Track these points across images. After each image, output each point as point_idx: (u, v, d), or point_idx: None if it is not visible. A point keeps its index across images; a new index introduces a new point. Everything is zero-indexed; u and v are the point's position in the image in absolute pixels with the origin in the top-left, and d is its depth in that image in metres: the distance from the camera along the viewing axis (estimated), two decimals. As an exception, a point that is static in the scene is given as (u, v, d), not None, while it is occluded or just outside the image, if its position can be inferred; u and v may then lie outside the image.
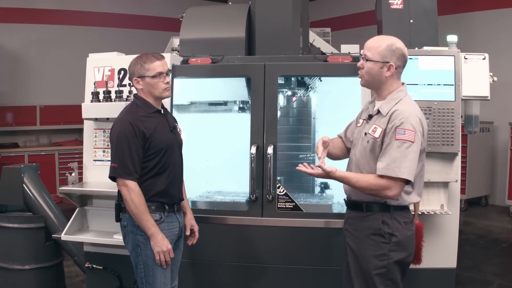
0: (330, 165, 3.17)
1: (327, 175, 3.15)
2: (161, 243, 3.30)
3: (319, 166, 3.16)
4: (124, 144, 3.29)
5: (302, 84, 5.02)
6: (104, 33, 11.26)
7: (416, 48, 4.16)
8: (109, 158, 4.47)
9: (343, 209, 4.40)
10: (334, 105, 5.02)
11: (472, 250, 6.88)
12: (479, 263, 6.44)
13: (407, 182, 3.07)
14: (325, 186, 5.01)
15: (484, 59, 4.06)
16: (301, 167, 3.21)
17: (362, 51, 3.30)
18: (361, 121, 3.41)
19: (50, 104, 10.82)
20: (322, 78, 4.88)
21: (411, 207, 3.43)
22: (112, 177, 3.35)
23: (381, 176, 3.05)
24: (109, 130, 4.47)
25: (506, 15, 9.65)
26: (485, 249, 7.11)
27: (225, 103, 5.17)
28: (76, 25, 11.28)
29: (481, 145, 9.40)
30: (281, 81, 4.61)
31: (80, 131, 11.01)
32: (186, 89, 4.80)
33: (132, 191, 3.26)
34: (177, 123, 3.68)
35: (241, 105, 5.12)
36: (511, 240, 7.60)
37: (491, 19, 9.83)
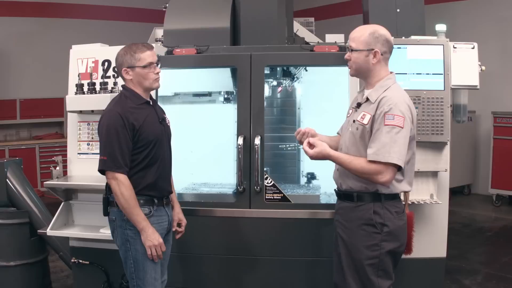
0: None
1: (321, 153, 3.16)
2: (152, 237, 3.25)
3: (308, 142, 3.20)
4: (113, 137, 3.21)
5: (288, 74, 4.99)
6: (85, 25, 11.08)
7: (403, 37, 4.14)
8: (94, 151, 4.48)
9: (330, 199, 4.43)
10: (319, 95, 5.00)
11: (457, 239, 6.91)
12: (464, 252, 6.48)
13: (398, 168, 3.07)
14: (311, 177, 4.98)
15: (473, 48, 4.06)
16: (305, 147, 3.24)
17: (347, 43, 3.31)
18: (350, 111, 3.42)
19: (30, 97, 10.67)
20: (307, 68, 4.84)
21: (401, 197, 3.42)
22: (102, 170, 3.28)
23: (372, 162, 3.04)
24: (94, 123, 4.47)
25: (487, 4, 9.68)
26: (470, 238, 7.15)
27: (209, 94, 5.12)
28: (57, 17, 11.11)
29: (464, 134, 9.43)
30: (266, 71, 4.57)
31: (60, 124, 10.99)
32: (170, 80, 4.73)
33: (122, 184, 3.19)
34: (165, 115, 3.62)
35: (226, 96, 5.07)
36: (495, 228, 7.66)
37: (472, 9, 9.84)
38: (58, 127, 11.15)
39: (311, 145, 3.21)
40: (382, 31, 3.21)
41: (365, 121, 3.15)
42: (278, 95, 5.16)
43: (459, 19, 9.63)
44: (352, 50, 3.22)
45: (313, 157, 3.21)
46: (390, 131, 3.02)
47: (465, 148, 9.57)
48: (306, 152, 3.22)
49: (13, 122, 10.69)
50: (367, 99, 3.22)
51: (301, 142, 3.42)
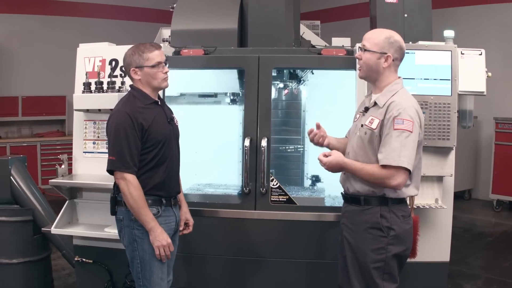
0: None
1: (335, 159, 3.18)
2: (160, 237, 3.25)
3: (324, 155, 3.22)
4: (122, 137, 3.21)
5: (294, 77, 5.00)
6: (88, 24, 11.09)
7: (410, 43, 4.16)
8: (100, 150, 4.48)
9: (334, 202, 4.45)
10: (325, 98, 5.02)
11: (458, 243, 6.91)
12: (465, 257, 6.49)
13: (409, 172, 3.08)
14: (316, 179, 4.99)
15: (481, 54, 4.08)
16: (320, 156, 3.26)
17: (360, 43, 3.33)
18: (357, 115, 3.43)
19: (32, 95, 10.67)
20: (314, 71, 4.86)
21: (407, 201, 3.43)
22: (110, 171, 3.28)
23: (383, 166, 3.06)
24: (100, 122, 4.48)
25: (490, 10, 9.71)
26: (471, 243, 7.17)
27: (215, 95, 5.12)
28: (60, 15, 11.12)
29: (465, 140, 9.41)
30: (273, 73, 4.58)
31: (62, 122, 10.98)
32: (176, 81, 4.74)
33: (131, 184, 3.19)
34: (173, 115, 3.62)
35: (231, 97, 5.07)
36: (495, 234, 7.68)
37: (476, 15, 9.87)
38: (59, 125, 11.14)
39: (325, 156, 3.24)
40: (397, 37, 3.23)
41: (374, 126, 3.16)
42: (284, 97, 5.16)
43: (462, 25, 9.64)
44: (365, 50, 3.24)
45: (326, 165, 3.21)
46: (399, 135, 3.04)
47: (467, 153, 9.57)
48: (320, 161, 3.23)
49: (15, 119, 10.67)
50: (375, 104, 3.23)
51: (313, 141, 3.49)
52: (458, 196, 9.52)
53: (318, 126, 3.49)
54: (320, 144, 3.52)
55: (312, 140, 3.51)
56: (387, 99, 3.18)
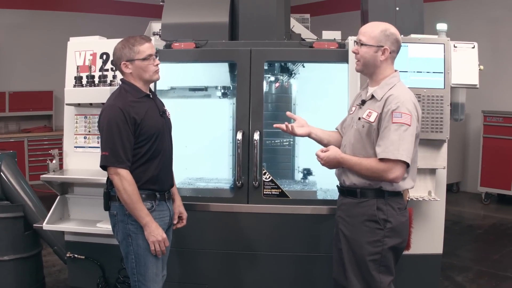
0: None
1: (333, 154, 3.22)
2: (155, 233, 3.23)
3: (322, 151, 3.26)
4: (114, 132, 3.17)
5: (285, 70, 4.99)
6: (76, 18, 10.97)
7: (403, 36, 4.14)
8: (91, 145, 4.45)
9: (326, 195, 4.46)
10: (315, 91, 5.01)
11: (447, 236, 6.85)
12: (455, 249, 6.53)
13: (407, 166, 3.08)
14: (307, 173, 4.99)
15: (473, 48, 4.09)
16: (317, 152, 3.29)
17: (355, 37, 3.33)
18: (353, 108, 3.42)
19: (19, 90, 10.56)
20: (305, 64, 4.85)
21: (401, 193, 3.43)
22: (103, 166, 3.25)
23: (381, 160, 3.06)
24: (91, 116, 4.44)
25: (479, 4, 9.73)
26: (461, 235, 7.20)
27: (205, 89, 5.10)
28: (48, 10, 11.00)
29: (453, 133, 9.37)
30: (264, 66, 4.56)
31: (49, 117, 10.88)
32: (166, 74, 4.71)
33: (125, 179, 3.16)
34: (165, 107, 3.60)
35: (222, 91, 5.05)
36: (484, 226, 7.72)
37: (464, 8, 9.89)
38: (46, 120, 11.04)
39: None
40: (393, 30, 3.24)
41: (372, 119, 3.16)
42: (274, 91, 5.15)
43: (451, 18, 9.60)
44: (361, 45, 3.23)
45: (324, 160, 3.24)
46: (398, 129, 3.04)
47: (455, 146, 9.57)
48: (318, 156, 3.26)
49: (2, 114, 10.53)
50: (372, 96, 3.23)
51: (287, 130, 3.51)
52: (447, 189, 9.53)
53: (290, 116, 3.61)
54: (300, 134, 3.55)
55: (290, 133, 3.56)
56: (385, 92, 3.18)
